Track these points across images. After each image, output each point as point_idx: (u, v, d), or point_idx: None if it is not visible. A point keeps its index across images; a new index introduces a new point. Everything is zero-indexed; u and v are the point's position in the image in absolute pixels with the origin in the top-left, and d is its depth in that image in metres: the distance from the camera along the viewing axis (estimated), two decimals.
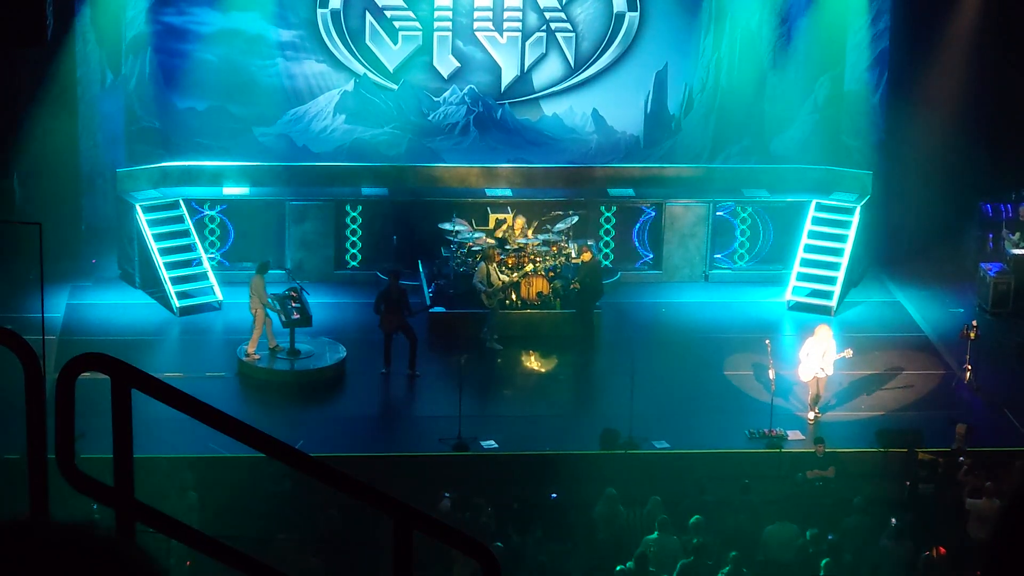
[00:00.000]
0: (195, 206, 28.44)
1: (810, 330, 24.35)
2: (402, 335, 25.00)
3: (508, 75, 29.91)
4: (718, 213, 29.37)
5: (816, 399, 23.88)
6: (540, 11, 29.67)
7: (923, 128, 29.48)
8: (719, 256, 29.42)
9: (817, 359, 23.63)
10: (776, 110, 30.31)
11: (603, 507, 20.75)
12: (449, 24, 29.57)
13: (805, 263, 28.57)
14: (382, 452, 22.54)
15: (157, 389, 4.51)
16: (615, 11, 29.79)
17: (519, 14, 29.63)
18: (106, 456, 4.59)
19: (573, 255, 27.32)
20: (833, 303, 27.98)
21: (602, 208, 29.26)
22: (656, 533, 19.91)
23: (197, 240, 27.98)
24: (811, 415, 23.82)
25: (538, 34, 29.79)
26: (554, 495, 21.27)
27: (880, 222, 29.42)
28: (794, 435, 23.34)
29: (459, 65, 29.77)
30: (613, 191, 29.56)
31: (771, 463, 22.72)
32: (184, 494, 20.24)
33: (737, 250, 29.53)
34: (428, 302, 26.71)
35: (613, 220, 29.35)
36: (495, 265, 26.35)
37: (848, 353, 24.00)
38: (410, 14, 29.46)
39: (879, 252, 29.52)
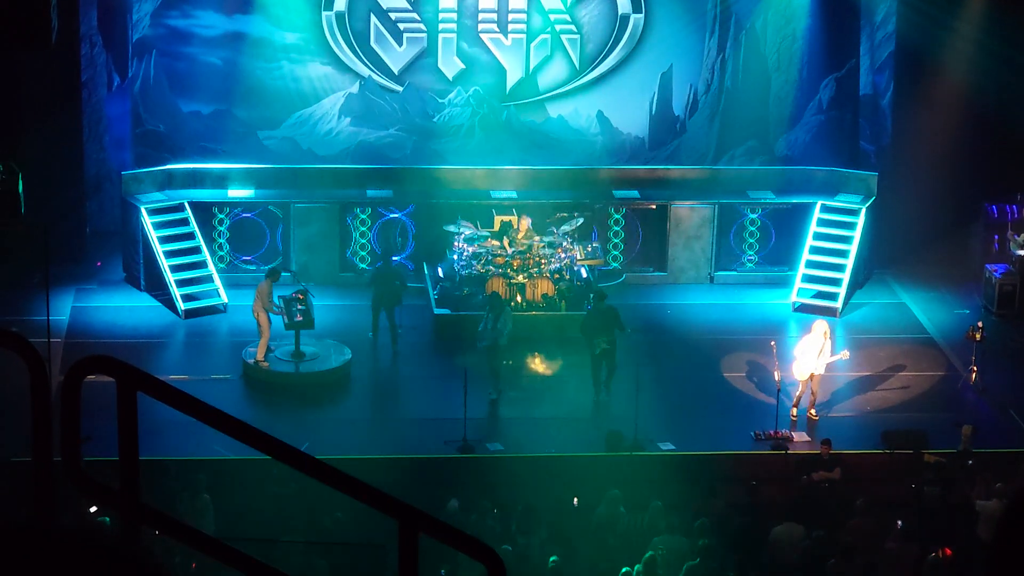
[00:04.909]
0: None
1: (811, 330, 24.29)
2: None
3: (513, 77, 29.92)
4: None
5: (812, 398, 23.80)
6: (545, 13, 29.67)
7: (928, 129, 29.48)
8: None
9: (813, 357, 23.57)
10: (781, 111, 30.32)
11: (605, 509, 20.73)
12: (454, 26, 29.58)
13: (810, 265, 28.56)
14: (387, 454, 22.53)
15: (162, 392, 4.51)
16: (620, 13, 29.80)
17: (524, 16, 29.64)
18: (112, 459, 4.60)
19: (578, 257, 27.32)
20: (838, 304, 27.97)
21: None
22: (664, 535, 19.90)
23: (202, 242, 27.99)
24: (795, 411, 23.75)
25: (543, 36, 29.79)
26: (576, 499, 21.24)
27: (885, 223, 29.41)
28: (800, 437, 23.34)
29: (464, 67, 29.78)
30: (618, 193, 29.56)
31: (777, 465, 22.72)
32: (197, 496, 20.27)
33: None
34: (431, 288, 26.93)
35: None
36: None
37: (845, 355, 23.99)
38: (415, 16, 29.48)
39: (884, 253, 29.51)
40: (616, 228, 29.39)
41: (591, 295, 25.34)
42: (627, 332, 24.15)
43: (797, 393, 23.80)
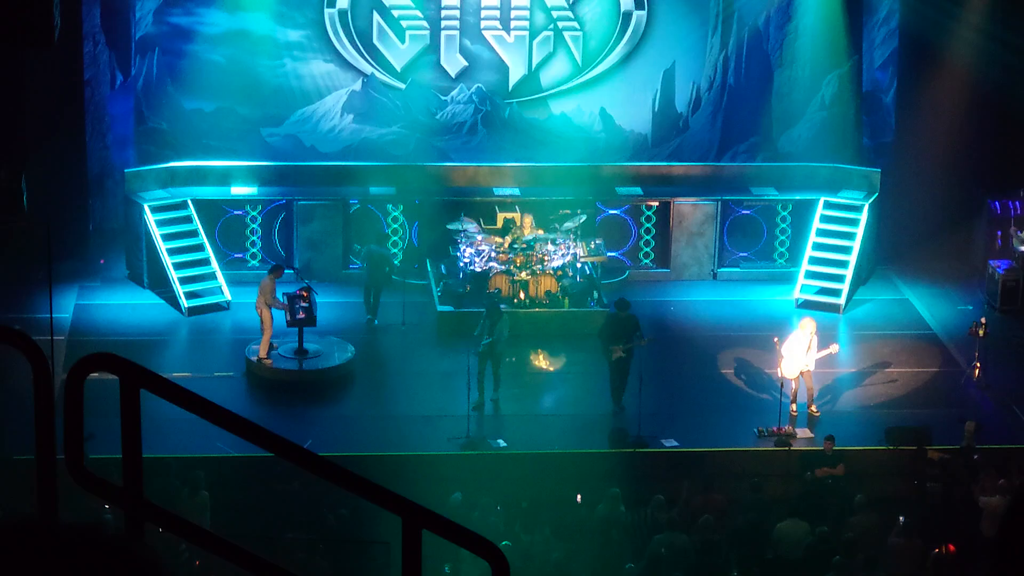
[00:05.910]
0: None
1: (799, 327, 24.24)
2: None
3: (516, 74, 29.91)
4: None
5: (809, 395, 23.79)
6: (547, 10, 29.66)
7: (931, 125, 29.46)
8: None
9: (800, 354, 23.55)
10: (784, 108, 30.31)
11: (605, 507, 20.72)
12: (456, 23, 29.57)
13: (813, 261, 28.55)
14: (390, 451, 22.53)
15: (166, 389, 4.51)
16: (622, 10, 29.79)
17: (526, 13, 29.62)
18: (115, 456, 4.60)
19: (581, 253, 27.32)
20: (842, 301, 27.96)
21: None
22: (666, 531, 19.90)
23: (205, 240, 28.00)
24: (794, 407, 23.75)
25: (545, 33, 29.78)
26: (579, 496, 21.23)
27: (888, 219, 29.40)
28: (803, 433, 23.34)
29: (467, 64, 29.78)
30: (621, 190, 29.55)
31: (781, 461, 22.72)
32: (196, 493, 20.28)
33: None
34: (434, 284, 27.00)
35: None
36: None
37: (835, 349, 23.99)
38: (417, 13, 29.46)
39: (887, 249, 29.50)
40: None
41: (613, 302, 25.12)
42: (644, 342, 24.05)
43: (792, 389, 23.81)
